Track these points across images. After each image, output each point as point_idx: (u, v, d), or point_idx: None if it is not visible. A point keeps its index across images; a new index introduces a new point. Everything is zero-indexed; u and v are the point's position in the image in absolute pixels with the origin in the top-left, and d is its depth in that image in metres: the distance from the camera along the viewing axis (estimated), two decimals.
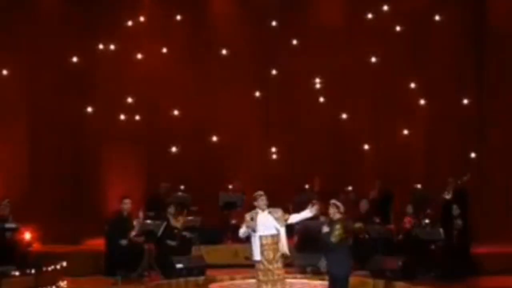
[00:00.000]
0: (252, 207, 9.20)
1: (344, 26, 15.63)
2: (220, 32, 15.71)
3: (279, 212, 9.01)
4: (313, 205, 9.07)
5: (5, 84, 14.36)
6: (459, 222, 11.97)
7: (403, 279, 11.50)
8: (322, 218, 12.53)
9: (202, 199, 14.10)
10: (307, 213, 9.11)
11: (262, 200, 8.97)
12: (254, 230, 8.87)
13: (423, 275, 11.74)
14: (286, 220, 8.98)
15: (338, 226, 8.92)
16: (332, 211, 9.11)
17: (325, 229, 9.06)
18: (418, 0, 15.17)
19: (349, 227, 9.26)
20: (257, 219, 8.91)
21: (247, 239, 9.22)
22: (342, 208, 9.14)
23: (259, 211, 8.97)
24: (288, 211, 9.37)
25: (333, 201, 9.22)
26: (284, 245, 8.90)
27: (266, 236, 8.88)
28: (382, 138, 15.57)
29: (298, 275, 11.88)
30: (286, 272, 9.26)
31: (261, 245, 8.84)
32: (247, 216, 8.99)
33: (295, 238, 12.70)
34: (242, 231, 9.01)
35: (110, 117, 14.86)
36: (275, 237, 8.89)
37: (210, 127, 15.66)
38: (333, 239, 8.88)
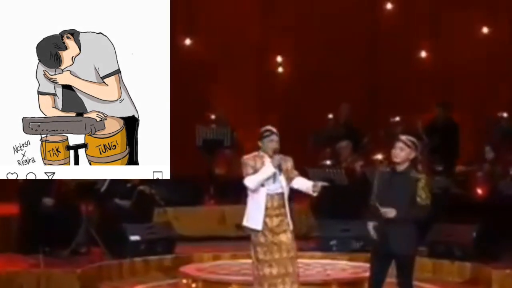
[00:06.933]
0: (249, 150, 9.21)
1: None
2: None
3: (289, 163, 8.93)
4: (315, 186, 8.87)
5: None
6: None
7: (479, 258, 11.43)
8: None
9: (169, 136, 13.94)
10: (308, 187, 8.91)
11: (271, 141, 8.80)
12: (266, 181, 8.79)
13: (510, 252, 11.66)
14: (292, 178, 8.92)
15: (423, 176, 8.19)
16: (402, 154, 8.24)
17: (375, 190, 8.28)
18: None
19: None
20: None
21: (239, 198, 9.56)
22: (418, 144, 8.40)
23: (268, 157, 8.80)
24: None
25: (402, 137, 8.36)
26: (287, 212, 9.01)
27: (272, 196, 8.82)
28: (446, 40, 15.59)
29: (317, 253, 11.97)
30: (300, 249, 9.27)
31: (265, 208, 8.78)
32: (249, 160, 8.84)
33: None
34: (261, 175, 8.74)
35: None
36: (282, 198, 8.86)
37: (182, 26, 15.83)
38: (422, 198, 8.19)
